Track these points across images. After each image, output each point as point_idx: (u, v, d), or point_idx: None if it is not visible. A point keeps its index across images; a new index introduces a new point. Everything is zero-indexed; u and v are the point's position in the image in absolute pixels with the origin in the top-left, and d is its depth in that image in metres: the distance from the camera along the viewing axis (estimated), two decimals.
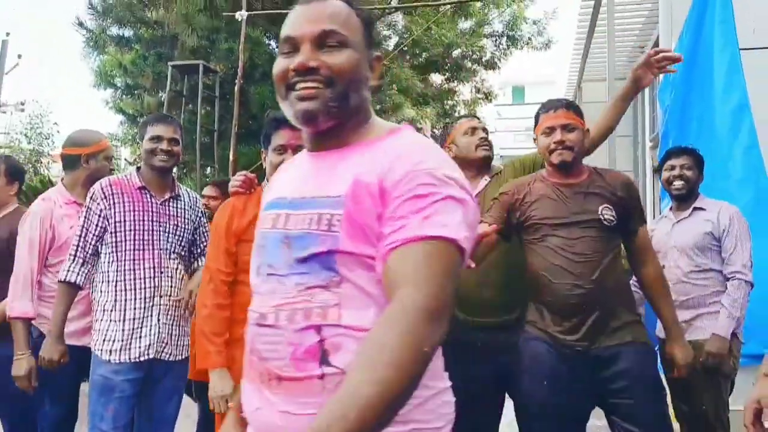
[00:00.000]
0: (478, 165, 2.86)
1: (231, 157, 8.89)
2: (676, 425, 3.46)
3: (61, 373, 2.67)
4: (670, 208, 3.34)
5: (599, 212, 2.34)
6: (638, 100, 13.05)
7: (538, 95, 25.70)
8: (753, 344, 3.33)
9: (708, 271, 3.05)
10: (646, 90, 12.22)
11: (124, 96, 11.56)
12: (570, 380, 2.30)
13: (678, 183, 3.21)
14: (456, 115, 14.05)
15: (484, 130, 2.90)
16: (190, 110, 10.63)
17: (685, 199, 3.22)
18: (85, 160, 2.97)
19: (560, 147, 2.40)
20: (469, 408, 2.76)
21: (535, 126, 2.55)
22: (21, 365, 2.67)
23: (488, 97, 13.76)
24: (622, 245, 2.50)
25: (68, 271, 2.58)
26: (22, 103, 18.19)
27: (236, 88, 9.16)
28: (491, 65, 12.67)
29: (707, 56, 4.01)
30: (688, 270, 3.07)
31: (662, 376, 3.19)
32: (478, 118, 2.98)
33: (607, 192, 2.39)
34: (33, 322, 2.79)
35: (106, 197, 2.61)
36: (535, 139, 2.66)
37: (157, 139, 2.66)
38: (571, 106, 2.47)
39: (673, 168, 3.24)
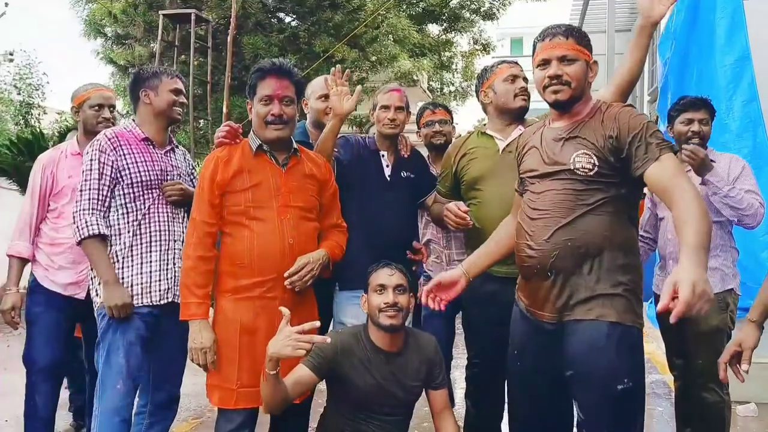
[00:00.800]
0: (514, 114, 2.79)
1: (224, 109, 8.79)
2: (669, 377, 3.52)
3: (46, 318, 2.93)
4: None
5: (571, 161, 1.98)
6: None
7: None
8: (749, 299, 3.37)
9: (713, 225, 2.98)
10: None
11: (114, 46, 11.34)
12: (537, 351, 2.09)
13: (694, 141, 2.96)
14: (454, 67, 13.86)
15: (525, 79, 2.80)
16: (182, 61, 10.45)
17: None
18: (75, 113, 3.11)
19: (555, 82, 2.02)
20: (480, 359, 2.78)
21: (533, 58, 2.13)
22: (7, 300, 2.92)
23: (486, 48, 13.53)
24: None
25: (95, 225, 2.51)
26: (11, 53, 17.82)
27: (229, 38, 8.98)
28: (490, 16, 12.43)
29: (710, 6, 3.92)
30: None
31: (658, 329, 3.21)
32: (519, 66, 2.86)
33: (594, 134, 1.98)
34: (30, 266, 3.05)
35: (115, 149, 2.58)
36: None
37: (177, 92, 2.72)
38: (572, 33, 2.05)
39: (690, 122, 3.01)
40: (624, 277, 1.96)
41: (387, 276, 2.39)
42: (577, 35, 2.06)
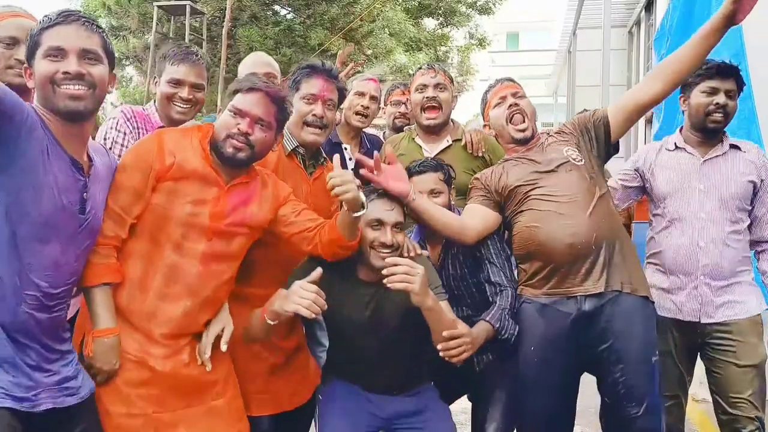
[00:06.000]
0: (424, 128, 2.60)
1: (218, 102, 8.77)
2: None
3: None
4: (683, 140, 2.53)
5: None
6: (632, 48, 12.87)
7: (533, 42, 25.28)
8: None
9: (744, 232, 2.40)
10: (641, 38, 12.04)
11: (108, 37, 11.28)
12: (559, 340, 2.12)
13: (718, 116, 2.40)
14: (450, 61, 13.85)
15: (437, 86, 2.58)
16: None
17: (717, 133, 2.45)
18: None
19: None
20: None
21: None
22: None
23: (482, 43, 13.53)
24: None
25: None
26: None
27: (224, 30, 8.95)
28: (486, 10, 12.42)
29: (705, 4, 3.93)
30: (728, 228, 2.37)
31: None
32: (434, 69, 2.63)
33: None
34: None
35: (132, 131, 2.24)
36: None
37: (177, 83, 2.23)
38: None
39: (714, 92, 2.41)
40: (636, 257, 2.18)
41: (385, 211, 2.10)
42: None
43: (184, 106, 2.24)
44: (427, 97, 2.55)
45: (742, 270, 2.37)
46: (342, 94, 2.27)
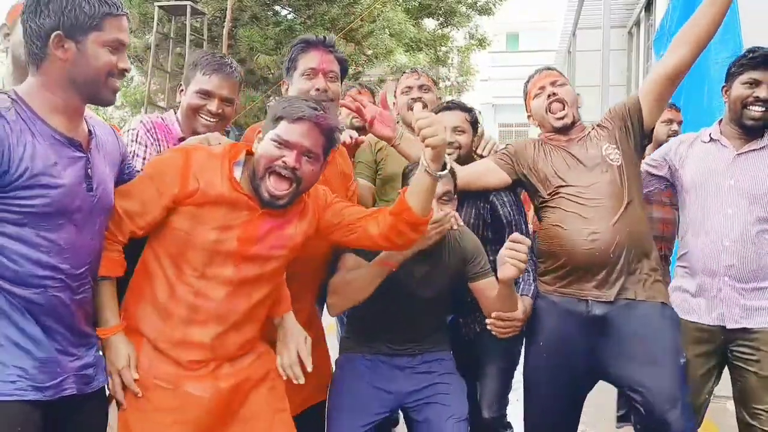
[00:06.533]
0: (410, 128, 2.56)
1: None
2: None
3: None
4: (720, 132, 2.39)
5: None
6: (632, 48, 12.88)
7: (533, 42, 25.26)
8: None
9: None
10: (641, 38, 12.06)
11: None
12: (572, 341, 2.13)
13: (756, 110, 2.26)
14: (450, 62, 13.86)
15: (421, 87, 2.74)
16: (178, 53, 10.41)
17: (756, 130, 2.31)
18: (5, 36, 2.09)
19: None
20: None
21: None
22: None
23: (482, 43, 13.53)
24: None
25: None
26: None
27: (225, 31, 8.96)
28: (485, 10, 12.41)
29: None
30: (758, 227, 2.22)
31: None
32: (418, 72, 2.81)
33: None
34: None
35: (153, 143, 2.09)
36: None
37: (206, 95, 2.05)
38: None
39: (756, 84, 2.26)
40: (659, 266, 2.21)
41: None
42: None
43: (211, 119, 2.06)
44: (412, 98, 2.69)
45: None
46: (343, 65, 2.16)
